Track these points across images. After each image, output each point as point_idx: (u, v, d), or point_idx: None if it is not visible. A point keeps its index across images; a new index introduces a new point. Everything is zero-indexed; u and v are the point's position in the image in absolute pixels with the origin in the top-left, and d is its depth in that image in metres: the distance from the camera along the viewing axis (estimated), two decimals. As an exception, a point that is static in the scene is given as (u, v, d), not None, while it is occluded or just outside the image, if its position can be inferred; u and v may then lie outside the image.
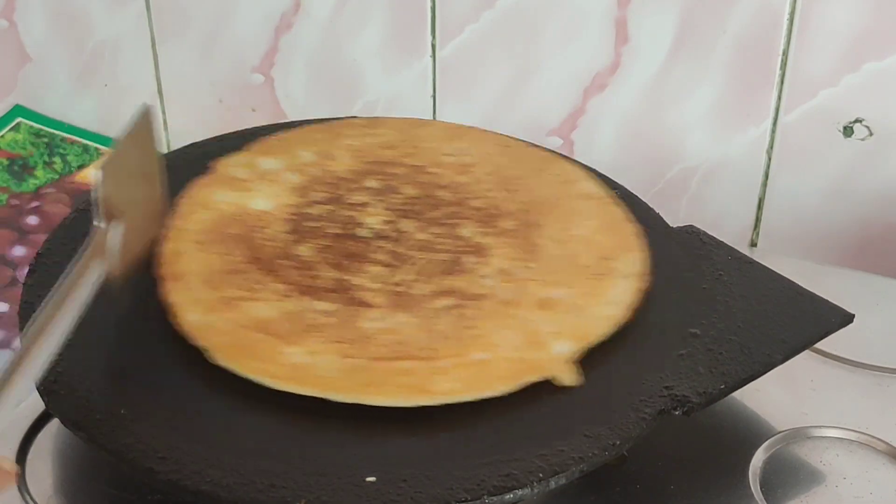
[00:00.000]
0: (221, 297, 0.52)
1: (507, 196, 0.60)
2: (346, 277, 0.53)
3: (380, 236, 0.56)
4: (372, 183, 0.61)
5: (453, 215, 0.58)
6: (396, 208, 0.59)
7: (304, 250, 0.55)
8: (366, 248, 0.55)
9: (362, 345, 0.50)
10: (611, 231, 0.58)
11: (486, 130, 0.67)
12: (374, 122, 0.68)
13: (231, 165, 0.62)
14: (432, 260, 0.55)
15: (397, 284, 0.53)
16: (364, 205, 0.59)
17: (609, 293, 0.54)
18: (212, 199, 0.59)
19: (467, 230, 0.57)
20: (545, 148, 0.66)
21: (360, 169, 0.62)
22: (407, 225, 0.57)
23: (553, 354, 0.51)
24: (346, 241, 0.56)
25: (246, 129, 0.71)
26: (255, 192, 0.60)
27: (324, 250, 0.55)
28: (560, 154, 0.65)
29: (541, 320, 0.52)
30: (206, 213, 0.58)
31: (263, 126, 0.72)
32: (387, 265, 0.54)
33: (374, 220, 0.58)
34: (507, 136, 0.67)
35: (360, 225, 0.57)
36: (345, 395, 0.48)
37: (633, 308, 0.54)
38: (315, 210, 0.58)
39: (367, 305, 0.52)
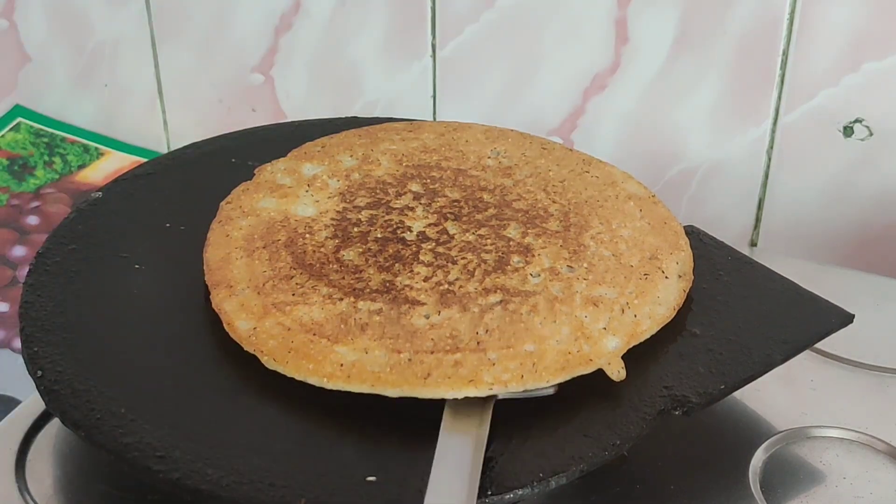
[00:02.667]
0: (270, 302, 0.52)
1: (551, 198, 0.60)
2: (393, 279, 0.53)
3: (425, 239, 0.56)
4: (415, 187, 0.61)
5: (498, 217, 0.58)
6: (441, 211, 0.59)
7: (351, 255, 0.55)
8: (412, 250, 0.55)
9: (411, 339, 0.50)
10: (657, 231, 0.58)
11: (524, 133, 0.67)
12: (413, 125, 0.68)
13: (274, 172, 0.62)
14: (479, 260, 0.55)
15: (445, 283, 0.53)
16: (408, 209, 0.59)
17: (656, 293, 0.54)
18: (256, 205, 0.60)
19: (513, 231, 0.57)
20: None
21: (402, 173, 0.62)
22: (452, 227, 0.57)
23: (602, 348, 0.51)
24: (392, 245, 0.56)
25: (246, 129, 0.71)
26: (299, 198, 0.60)
27: (371, 254, 0.55)
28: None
29: (590, 316, 0.52)
30: (250, 219, 0.59)
31: (263, 126, 0.73)
32: (434, 266, 0.54)
33: (419, 223, 0.58)
34: (545, 138, 0.67)
35: (405, 229, 0.57)
36: (394, 390, 0.48)
37: (677, 308, 0.54)
38: (360, 215, 0.58)
39: (416, 303, 0.52)
